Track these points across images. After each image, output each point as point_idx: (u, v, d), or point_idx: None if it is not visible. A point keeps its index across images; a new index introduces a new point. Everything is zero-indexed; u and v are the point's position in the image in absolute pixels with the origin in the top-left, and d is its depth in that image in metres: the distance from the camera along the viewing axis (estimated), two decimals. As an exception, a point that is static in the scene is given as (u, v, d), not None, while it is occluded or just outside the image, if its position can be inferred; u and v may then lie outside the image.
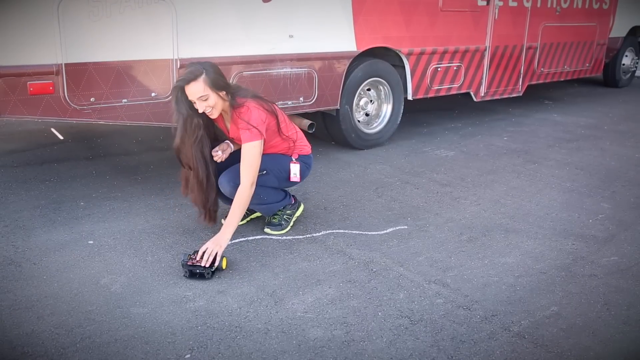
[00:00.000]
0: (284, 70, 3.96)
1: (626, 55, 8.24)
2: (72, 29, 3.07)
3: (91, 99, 3.21)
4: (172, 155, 4.36)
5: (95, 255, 2.77)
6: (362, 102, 4.68)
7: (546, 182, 4.00)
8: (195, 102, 2.67)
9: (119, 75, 3.27)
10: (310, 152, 3.14)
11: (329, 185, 3.87)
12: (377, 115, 4.85)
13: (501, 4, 5.47)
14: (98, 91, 3.22)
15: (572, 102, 7.22)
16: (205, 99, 2.65)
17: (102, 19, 3.15)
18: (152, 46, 3.35)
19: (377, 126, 4.84)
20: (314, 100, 4.19)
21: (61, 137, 4.90)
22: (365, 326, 2.23)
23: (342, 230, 3.12)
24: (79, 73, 3.14)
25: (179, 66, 3.43)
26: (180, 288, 2.48)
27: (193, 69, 2.64)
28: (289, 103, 4.05)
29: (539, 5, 5.94)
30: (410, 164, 4.37)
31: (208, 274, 2.55)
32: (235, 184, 2.74)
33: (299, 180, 3.03)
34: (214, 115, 2.75)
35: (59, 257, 2.74)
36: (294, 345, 2.10)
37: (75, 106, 3.17)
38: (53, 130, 5.09)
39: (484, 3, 5.29)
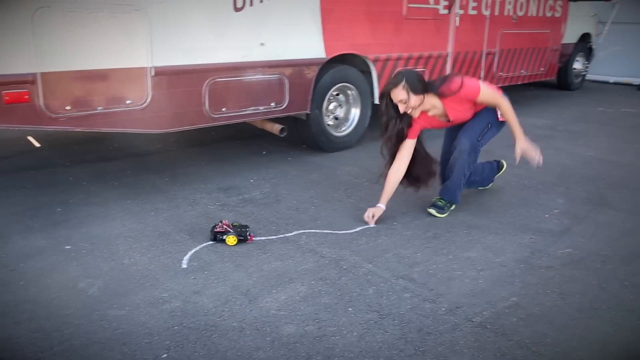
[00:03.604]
0: (256, 76, 3.94)
1: (577, 60, 8.42)
2: (47, 38, 3.01)
3: (67, 107, 3.15)
4: (148, 161, 4.33)
5: (73, 259, 2.71)
6: (331, 107, 4.68)
7: (505, 180, 4.05)
8: (398, 105, 3.08)
9: (94, 83, 3.21)
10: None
11: (300, 187, 3.86)
12: (346, 119, 4.86)
13: (461, 12, 5.54)
14: (74, 99, 3.16)
15: (529, 104, 7.34)
16: (404, 102, 3.04)
17: (77, 29, 3.09)
18: (128, 55, 3.30)
19: (346, 129, 4.85)
20: (285, 106, 4.17)
21: (38, 145, 4.79)
22: (336, 321, 2.23)
23: (313, 230, 3.11)
24: (54, 82, 3.08)
25: (153, 74, 3.39)
26: (157, 290, 2.44)
27: (396, 77, 3.09)
28: (261, 108, 4.03)
29: (496, 13, 6.04)
30: (378, 166, 4.33)
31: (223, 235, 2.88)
32: (472, 141, 3.25)
33: (502, 118, 3.32)
34: (415, 114, 3.15)
35: (36, 262, 2.67)
36: (268, 342, 2.08)
37: (51, 114, 3.11)
38: (29, 138, 4.97)
39: (446, 11, 5.35)
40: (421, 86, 3.08)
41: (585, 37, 8.32)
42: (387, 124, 3.18)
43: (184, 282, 2.51)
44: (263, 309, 2.30)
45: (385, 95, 3.12)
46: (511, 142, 3.25)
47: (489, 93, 3.18)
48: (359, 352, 2.03)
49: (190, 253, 2.80)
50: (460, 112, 3.25)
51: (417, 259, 2.80)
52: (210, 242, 2.91)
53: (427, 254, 2.86)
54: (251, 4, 3.78)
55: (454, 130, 3.45)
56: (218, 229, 2.91)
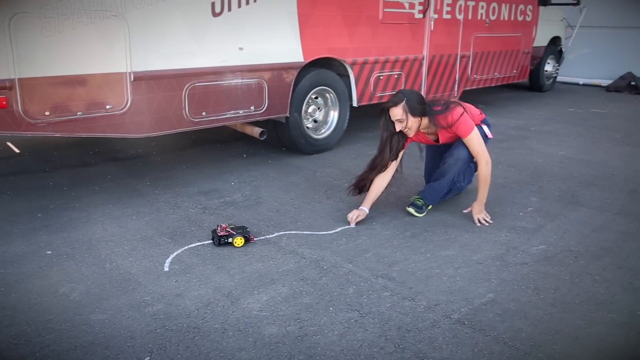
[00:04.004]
0: (235, 81, 3.92)
1: (548, 63, 8.55)
2: (25, 44, 2.96)
3: (46, 113, 3.10)
4: (129, 165, 4.28)
5: (54, 265, 2.67)
6: (310, 110, 4.68)
7: (481, 180, 4.09)
8: (395, 123, 3.10)
9: (73, 89, 3.17)
10: (485, 115, 3.54)
11: (281, 189, 3.85)
12: (325, 122, 4.86)
13: (436, 16, 5.58)
14: (53, 105, 3.12)
15: (502, 106, 7.44)
16: (402, 121, 3.07)
17: (55, 35, 3.05)
18: (106, 60, 3.26)
19: (325, 132, 4.85)
20: (264, 109, 4.16)
21: (17, 151, 4.71)
22: (318, 321, 2.23)
23: (294, 231, 3.11)
24: (33, 87, 3.03)
25: (133, 79, 3.35)
26: (139, 293, 2.41)
27: (397, 97, 3.08)
28: (241, 112, 4.01)
29: (470, 17, 6.10)
30: (357, 167, 4.38)
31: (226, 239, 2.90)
32: (466, 149, 3.22)
33: (492, 135, 3.45)
34: (410, 134, 3.19)
35: (17, 268, 2.62)
36: (250, 343, 2.08)
37: (30, 120, 3.06)
38: (9, 143, 4.88)
39: (421, 16, 5.39)
40: (420, 109, 3.10)
41: (555, 40, 8.45)
42: (390, 139, 3.20)
43: (166, 285, 2.49)
44: (245, 310, 2.29)
45: (385, 111, 3.14)
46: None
47: (477, 142, 3.18)
48: (340, 351, 2.04)
49: (172, 256, 2.78)
50: (449, 138, 3.32)
51: (396, 258, 2.81)
52: (192, 245, 2.89)
53: (406, 253, 2.88)
54: (229, 9, 3.76)
55: (437, 147, 3.52)
56: (222, 233, 2.89)
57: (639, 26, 9.34)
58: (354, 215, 3.22)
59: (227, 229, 2.92)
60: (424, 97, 3.23)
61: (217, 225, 2.98)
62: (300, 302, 2.37)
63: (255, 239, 2.98)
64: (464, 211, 3.36)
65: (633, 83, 8.83)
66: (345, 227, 3.19)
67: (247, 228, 2.99)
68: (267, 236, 3.04)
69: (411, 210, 3.37)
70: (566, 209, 3.54)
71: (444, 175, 3.33)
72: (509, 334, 2.16)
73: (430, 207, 3.45)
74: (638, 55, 9.33)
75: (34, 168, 4.22)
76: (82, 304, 2.32)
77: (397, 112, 3.08)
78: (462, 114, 3.16)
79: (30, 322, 2.17)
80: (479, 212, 3.30)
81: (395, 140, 3.22)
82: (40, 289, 2.43)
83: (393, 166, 3.31)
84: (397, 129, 3.13)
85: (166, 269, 2.65)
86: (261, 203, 3.56)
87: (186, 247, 2.87)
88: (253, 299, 2.39)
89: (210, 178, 4.05)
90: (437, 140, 3.37)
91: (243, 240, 2.89)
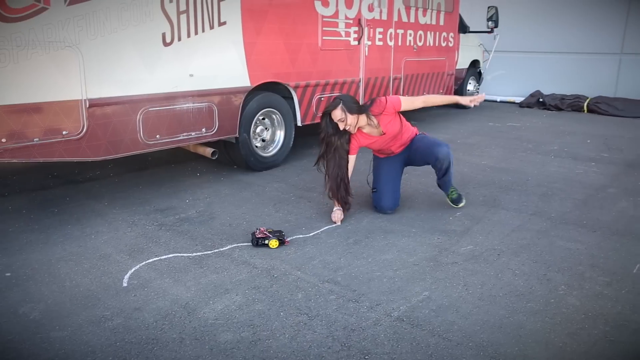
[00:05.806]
0: (187, 105, 3.87)
1: (470, 83, 8.89)
2: (-21, 74, 2.82)
3: (2, 140, 2.96)
4: (87, 187, 4.13)
5: (13, 286, 2.54)
6: (258, 130, 4.67)
7: (415, 189, 4.19)
8: (338, 123, 3.28)
9: (29, 116, 3.04)
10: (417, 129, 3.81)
11: (232, 204, 3.81)
12: (272, 141, 4.86)
13: (370, 43, 5.70)
14: (9, 132, 2.97)
15: (432, 122, 7.64)
16: (343, 120, 3.26)
17: (9, 65, 2.92)
18: (62, 88, 3.15)
19: (272, 150, 4.84)
20: (215, 131, 4.12)
21: (-26, 177, 4.46)
22: (270, 326, 2.21)
23: (246, 243, 3.07)
24: (-13, 116, 2.89)
25: (88, 106, 3.25)
26: (99, 309, 2.33)
27: (335, 101, 3.30)
28: (193, 134, 3.96)
29: (400, 43, 6.27)
30: (303, 181, 4.42)
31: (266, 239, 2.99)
32: (448, 147, 3.53)
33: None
34: (352, 131, 3.35)
35: (-25, 291, 2.48)
36: (207, 350, 2.04)
37: (-14, 147, 2.90)
38: (-34, 170, 4.62)
39: (356, 43, 5.49)
40: (356, 107, 3.30)
41: (474, 63, 8.82)
42: (327, 139, 3.34)
43: (125, 300, 2.41)
44: (201, 320, 2.25)
45: (326, 115, 3.31)
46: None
47: (408, 99, 3.50)
48: (291, 352, 2.03)
49: (130, 272, 2.70)
50: (391, 125, 3.46)
51: (341, 263, 2.83)
52: (150, 260, 2.81)
53: (349, 258, 2.90)
54: (179, 39, 3.72)
55: (389, 160, 3.69)
56: (259, 235, 3.01)
57: (544, 51, 9.85)
58: (339, 216, 3.43)
59: (265, 232, 3.02)
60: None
61: (257, 229, 3.09)
62: (253, 309, 2.35)
63: (289, 241, 3.07)
64: (472, 104, 3.62)
65: (541, 100, 9.28)
66: (293, 237, 3.18)
67: (282, 232, 3.10)
68: (221, 249, 3.00)
69: (462, 204, 3.70)
70: (489, 212, 3.67)
71: (447, 170, 3.53)
72: (443, 327, 2.21)
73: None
74: (544, 75, 9.84)
75: (-8, 193, 4.01)
76: (42, 323, 2.21)
77: (337, 114, 3.26)
78: (386, 98, 3.41)
79: (-11, 344, 2.05)
80: (467, 101, 3.58)
81: (336, 138, 3.34)
82: (-1, 311, 2.31)
83: (349, 169, 3.47)
84: (341, 128, 3.30)
85: (125, 284, 2.57)
86: (214, 218, 3.51)
87: (144, 263, 2.79)
88: (209, 308, 2.35)
89: (165, 196, 3.97)
90: (383, 133, 3.46)
91: (278, 243, 2.97)
